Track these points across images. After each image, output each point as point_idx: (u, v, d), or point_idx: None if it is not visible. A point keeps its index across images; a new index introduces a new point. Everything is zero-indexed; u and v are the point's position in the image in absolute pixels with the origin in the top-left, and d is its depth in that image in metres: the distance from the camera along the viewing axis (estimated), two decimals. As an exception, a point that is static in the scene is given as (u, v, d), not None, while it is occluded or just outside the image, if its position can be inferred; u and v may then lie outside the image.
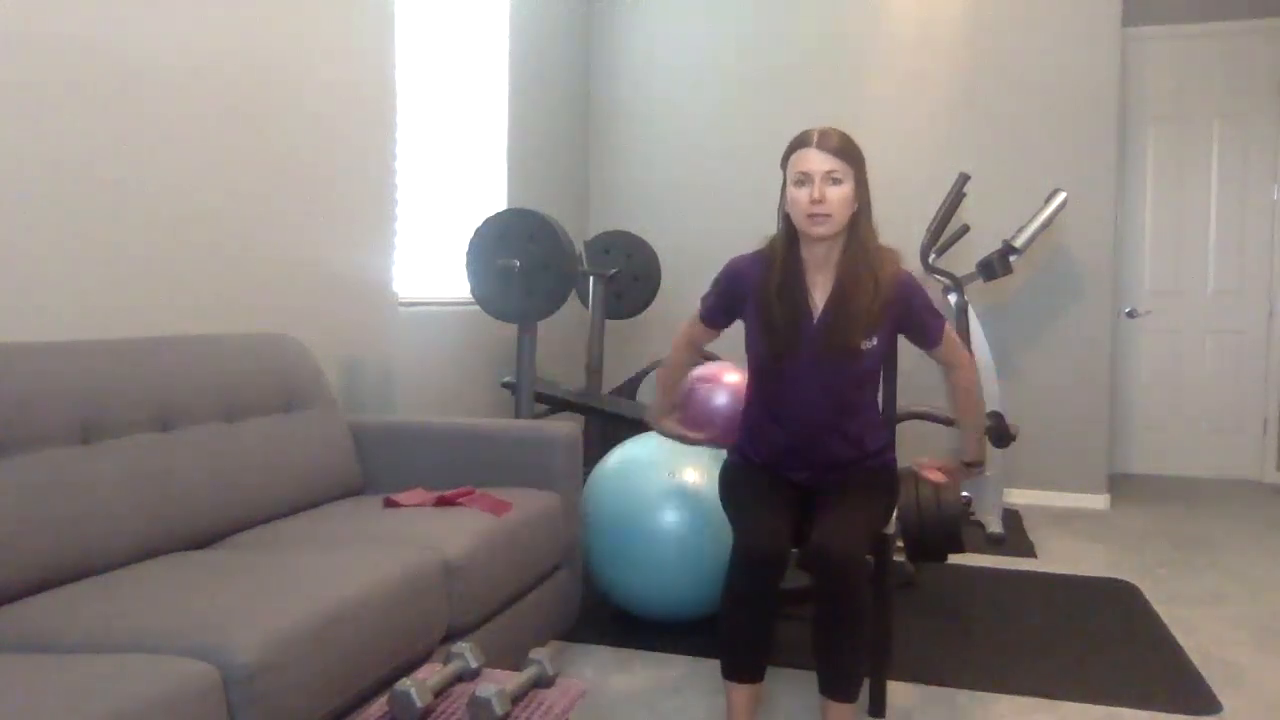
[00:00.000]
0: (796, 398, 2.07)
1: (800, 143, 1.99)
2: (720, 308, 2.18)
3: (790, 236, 2.05)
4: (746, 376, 2.24)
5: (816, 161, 1.95)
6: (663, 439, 2.77)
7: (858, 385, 2.07)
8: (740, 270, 2.12)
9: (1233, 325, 5.19)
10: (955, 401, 2.21)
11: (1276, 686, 2.41)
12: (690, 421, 2.46)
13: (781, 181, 2.03)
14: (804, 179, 1.96)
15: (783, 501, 2.03)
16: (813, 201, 1.94)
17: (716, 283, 2.17)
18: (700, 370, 2.59)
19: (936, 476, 2.22)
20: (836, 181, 1.95)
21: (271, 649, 1.38)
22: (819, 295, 2.04)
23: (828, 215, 1.95)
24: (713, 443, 2.43)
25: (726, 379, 2.55)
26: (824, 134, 1.98)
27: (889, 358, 2.28)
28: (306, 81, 2.83)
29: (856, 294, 1.99)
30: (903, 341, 2.17)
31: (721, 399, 2.50)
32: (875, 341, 2.03)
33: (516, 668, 2.16)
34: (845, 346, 2.00)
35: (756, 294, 2.07)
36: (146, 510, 1.86)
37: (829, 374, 2.04)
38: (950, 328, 2.16)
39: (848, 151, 1.97)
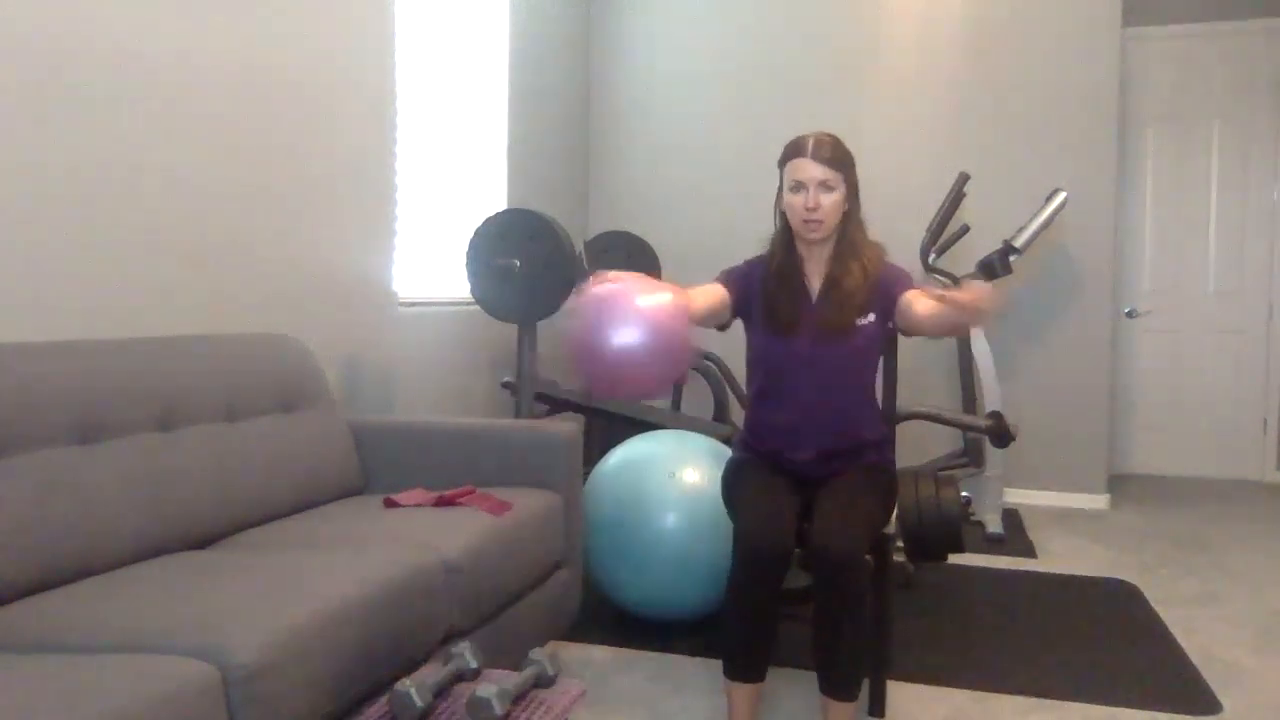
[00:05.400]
0: (796, 378, 2.17)
1: (796, 151, 2.12)
2: (736, 282, 2.23)
3: (788, 232, 2.21)
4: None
5: (811, 171, 2.09)
6: (661, 438, 2.77)
7: (855, 364, 2.17)
8: (748, 267, 2.27)
9: (1233, 325, 5.19)
10: (929, 319, 1.99)
11: (1276, 686, 2.41)
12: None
13: (779, 181, 2.18)
14: (799, 186, 2.11)
15: (785, 497, 2.04)
16: (808, 209, 2.10)
17: (731, 269, 2.27)
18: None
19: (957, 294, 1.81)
20: (829, 189, 2.10)
21: (271, 649, 1.38)
22: (815, 282, 2.20)
23: (820, 221, 2.11)
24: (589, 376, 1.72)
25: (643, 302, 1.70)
26: (818, 143, 2.10)
27: (887, 352, 2.34)
28: (307, 81, 2.83)
29: (847, 278, 2.14)
30: (903, 344, 2.18)
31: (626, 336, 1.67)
32: (869, 319, 2.15)
33: (516, 668, 2.16)
34: (841, 323, 2.13)
35: (761, 282, 2.22)
36: (146, 510, 1.86)
37: (826, 353, 2.14)
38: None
39: (839, 159, 2.11)
